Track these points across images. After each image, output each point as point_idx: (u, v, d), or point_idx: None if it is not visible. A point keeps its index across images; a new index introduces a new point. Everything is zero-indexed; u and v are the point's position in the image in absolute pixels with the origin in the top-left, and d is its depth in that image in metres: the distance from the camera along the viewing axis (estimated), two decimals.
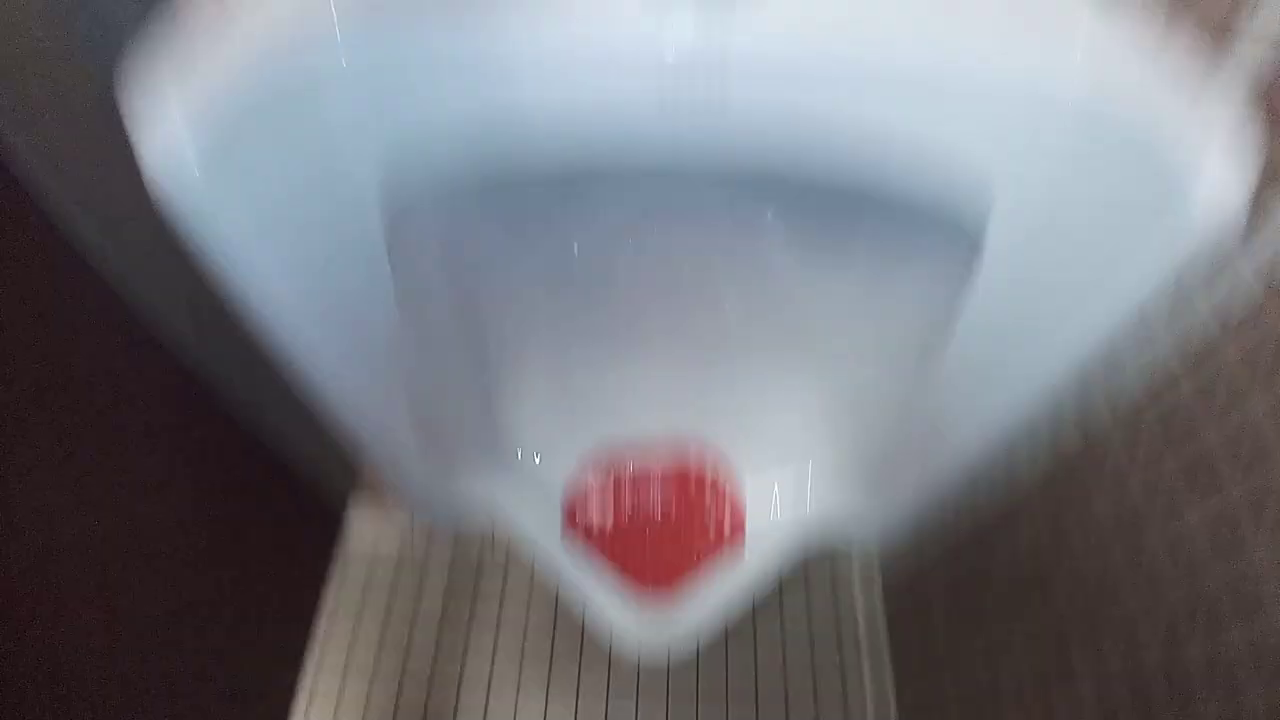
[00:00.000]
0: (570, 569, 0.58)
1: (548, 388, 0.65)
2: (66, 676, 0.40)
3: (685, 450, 0.65)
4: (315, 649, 1.09)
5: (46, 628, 0.39)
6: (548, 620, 1.15)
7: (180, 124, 0.30)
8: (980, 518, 0.69)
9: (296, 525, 0.65)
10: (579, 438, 0.67)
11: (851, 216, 0.51)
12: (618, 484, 0.65)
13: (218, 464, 0.56)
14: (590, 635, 1.13)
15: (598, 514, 0.63)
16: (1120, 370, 0.48)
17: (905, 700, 0.99)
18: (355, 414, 0.48)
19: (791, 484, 0.63)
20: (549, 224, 0.57)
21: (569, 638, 1.13)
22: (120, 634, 0.44)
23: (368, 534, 1.20)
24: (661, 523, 0.64)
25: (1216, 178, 0.30)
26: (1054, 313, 0.37)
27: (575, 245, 0.59)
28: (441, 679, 1.10)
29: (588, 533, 0.62)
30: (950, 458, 0.48)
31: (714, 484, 0.65)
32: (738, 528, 0.63)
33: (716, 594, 0.57)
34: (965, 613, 0.78)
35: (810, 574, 1.16)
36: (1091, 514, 0.53)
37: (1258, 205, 0.34)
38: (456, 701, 1.08)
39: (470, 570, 1.18)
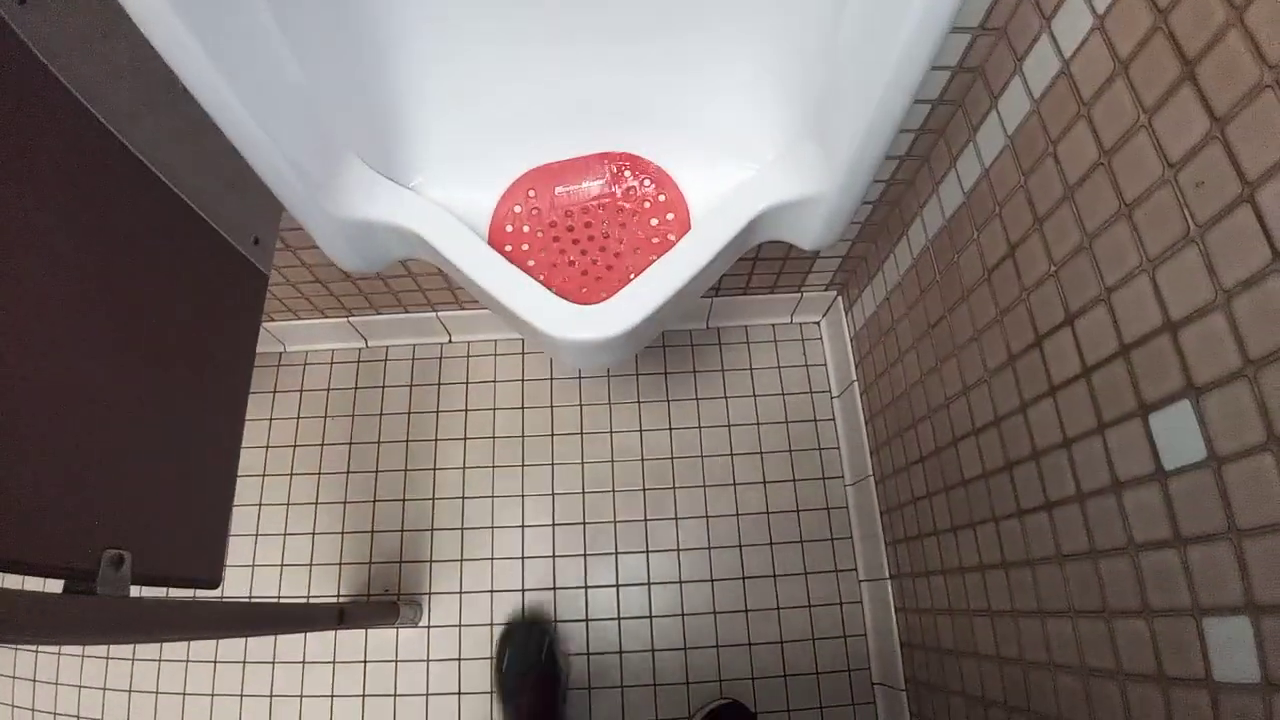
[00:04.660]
0: (498, 285, 0.53)
1: (448, 93, 0.56)
2: None
3: (611, 151, 0.58)
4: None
5: None
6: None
7: None
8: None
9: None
10: (491, 153, 0.58)
11: None
12: (541, 193, 0.58)
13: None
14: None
15: (525, 224, 0.57)
16: None
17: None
18: (249, 139, 0.45)
19: (731, 166, 0.57)
20: None
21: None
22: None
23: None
24: (595, 221, 0.58)
25: None
26: None
27: None
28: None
29: (515, 247, 0.57)
30: (879, 100, 0.44)
31: (647, 171, 0.58)
32: (680, 217, 0.57)
33: (660, 287, 0.52)
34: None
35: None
36: None
37: None
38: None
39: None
